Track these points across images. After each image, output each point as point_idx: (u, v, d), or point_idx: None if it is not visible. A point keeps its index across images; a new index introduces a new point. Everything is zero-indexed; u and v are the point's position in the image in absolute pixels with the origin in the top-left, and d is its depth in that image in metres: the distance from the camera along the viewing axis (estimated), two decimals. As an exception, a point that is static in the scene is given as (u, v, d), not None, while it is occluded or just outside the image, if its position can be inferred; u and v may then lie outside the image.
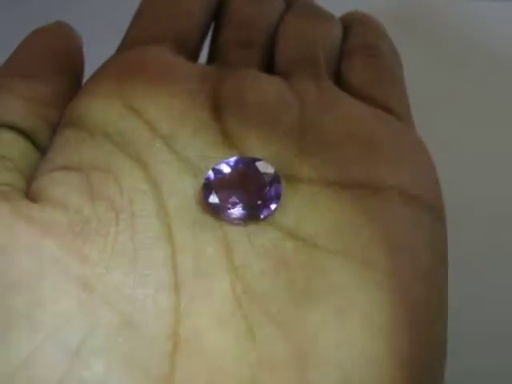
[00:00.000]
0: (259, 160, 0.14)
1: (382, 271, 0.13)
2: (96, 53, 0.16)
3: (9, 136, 0.14)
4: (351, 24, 0.19)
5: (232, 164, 0.14)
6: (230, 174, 0.14)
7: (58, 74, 0.16)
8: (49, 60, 0.16)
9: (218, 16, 0.19)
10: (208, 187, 0.14)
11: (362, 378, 0.12)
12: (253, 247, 0.13)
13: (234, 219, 0.14)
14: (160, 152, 0.14)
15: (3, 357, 0.11)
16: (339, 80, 0.18)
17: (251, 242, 0.13)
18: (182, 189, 0.14)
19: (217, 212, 0.14)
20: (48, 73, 0.16)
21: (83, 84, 0.16)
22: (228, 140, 0.15)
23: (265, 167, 0.14)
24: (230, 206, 0.14)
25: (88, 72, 0.16)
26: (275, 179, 0.14)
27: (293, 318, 0.12)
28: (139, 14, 0.18)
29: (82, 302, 0.12)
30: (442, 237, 0.14)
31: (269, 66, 0.18)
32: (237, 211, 0.14)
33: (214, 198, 0.14)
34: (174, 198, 0.14)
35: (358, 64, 0.18)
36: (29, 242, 0.12)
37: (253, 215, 0.14)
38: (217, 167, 0.14)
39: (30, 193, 0.14)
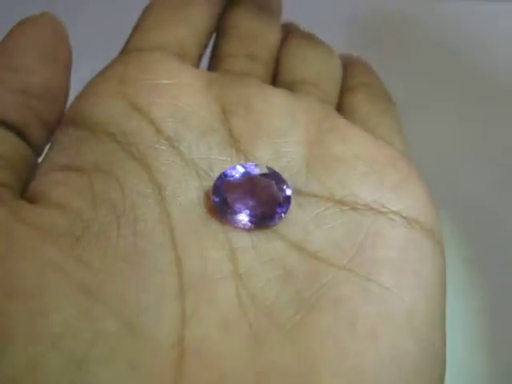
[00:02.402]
0: (270, 168, 0.14)
1: (385, 288, 0.13)
2: (96, 60, 0.16)
3: None
4: (347, 63, 0.20)
5: (242, 170, 0.14)
6: (239, 179, 0.14)
7: (45, 66, 0.15)
8: (36, 51, 0.15)
9: (220, 27, 0.19)
10: (217, 192, 0.14)
11: None
12: (257, 255, 0.13)
13: (242, 225, 0.14)
14: (164, 153, 0.14)
15: (5, 367, 0.11)
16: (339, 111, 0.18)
17: (256, 250, 0.13)
18: (186, 192, 0.14)
19: (224, 217, 0.14)
20: (35, 64, 0.15)
21: (86, 84, 0.16)
22: (235, 145, 0.15)
23: (276, 176, 0.14)
24: (238, 211, 0.14)
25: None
26: (285, 189, 0.14)
27: (300, 328, 0.12)
28: (142, 21, 0.18)
29: (85, 309, 0.11)
30: (442, 259, 0.15)
31: (271, 83, 0.18)
32: (245, 218, 0.14)
33: (222, 203, 0.14)
34: (177, 202, 0.14)
35: (360, 99, 0.18)
36: (28, 248, 0.12)
37: (260, 223, 0.14)
38: (226, 172, 0.14)
39: (28, 193, 0.13)
